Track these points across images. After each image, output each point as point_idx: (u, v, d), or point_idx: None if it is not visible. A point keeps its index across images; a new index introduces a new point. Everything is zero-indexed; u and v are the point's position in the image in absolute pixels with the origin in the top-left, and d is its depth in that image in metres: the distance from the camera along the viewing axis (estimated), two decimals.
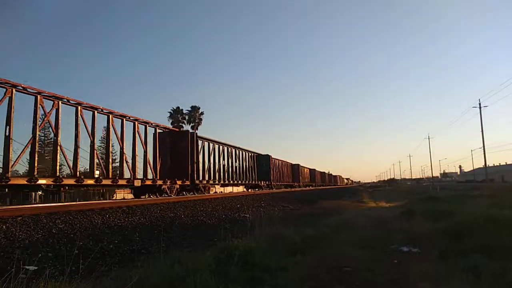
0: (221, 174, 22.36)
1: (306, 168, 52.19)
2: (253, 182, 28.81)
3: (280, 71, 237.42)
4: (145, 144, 15.77)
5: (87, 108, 12.66)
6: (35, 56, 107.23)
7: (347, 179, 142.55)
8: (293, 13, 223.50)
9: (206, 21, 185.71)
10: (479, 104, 44.39)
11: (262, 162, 31.41)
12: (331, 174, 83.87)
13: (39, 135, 11.00)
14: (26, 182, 9.91)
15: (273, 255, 5.42)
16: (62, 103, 11.63)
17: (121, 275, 4.35)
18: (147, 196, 15.81)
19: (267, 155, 32.66)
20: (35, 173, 10.45)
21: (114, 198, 26.64)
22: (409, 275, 4.62)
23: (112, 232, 7.70)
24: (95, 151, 12.82)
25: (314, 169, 57.40)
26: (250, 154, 28.69)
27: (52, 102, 11.33)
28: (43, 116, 11.25)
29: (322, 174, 67.77)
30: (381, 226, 8.89)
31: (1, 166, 9.71)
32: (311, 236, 7.55)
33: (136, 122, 15.38)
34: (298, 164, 45.67)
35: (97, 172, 13.32)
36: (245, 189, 29.59)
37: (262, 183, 30.77)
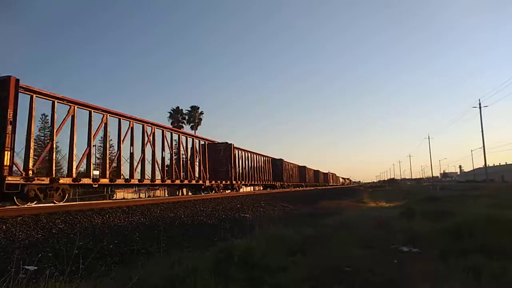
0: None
1: (262, 156, 31.39)
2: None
3: (280, 71, 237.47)
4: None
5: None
6: (35, 55, 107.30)
7: (345, 178, 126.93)
8: (293, 13, 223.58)
9: (206, 21, 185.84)
10: (479, 104, 44.40)
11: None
12: (318, 171, 62.73)
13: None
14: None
15: (273, 255, 5.42)
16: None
17: (121, 275, 4.35)
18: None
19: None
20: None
21: (114, 198, 26.65)
22: (409, 275, 4.61)
23: (112, 232, 7.70)
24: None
25: (282, 159, 36.60)
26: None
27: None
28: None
29: (302, 169, 47.29)
30: (381, 226, 8.88)
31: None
32: (311, 236, 7.54)
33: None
34: (231, 144, 23.54)
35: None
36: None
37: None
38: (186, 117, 59.45)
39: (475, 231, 6.63)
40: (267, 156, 32.99)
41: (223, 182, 21.94)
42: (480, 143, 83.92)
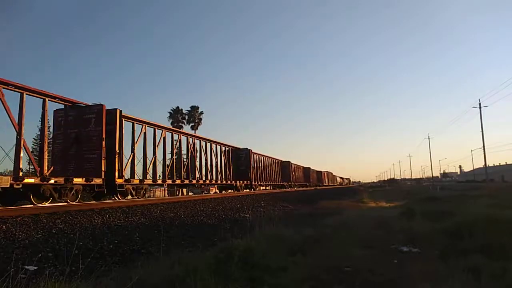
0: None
1: (209, 140, 21.50)
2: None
3: (280, 71, 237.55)
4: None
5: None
6: (35, 56, 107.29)
7: (343, 178, 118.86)
8: (293, 13, 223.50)
9: (206, 21, 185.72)
10: (479, 104, 44.41)
11: None
12: (309, 168, 53.26)
13: None
14: None
15: (273, 255, 5.41)
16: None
17: (121, 275, 4.34)
18: None
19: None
20: None
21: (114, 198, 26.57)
22: (409, 275, 4.61)
23: (112, 232, 7.70)
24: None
25: (249, 150, 27.31)
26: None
27: None
28: None
29: (285, 166, 39.20)
30: (381, 226, 8.88)
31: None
32: (311, 236, 7.54)
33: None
34: (115, 109, 13.15)
35: None
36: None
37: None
38: (186, 117, 59.44)
39: (475, 231, 6.63)
40: (223, 144, 22.78)
41: (81, 181, 11.11)
42: (480, 143, 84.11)
